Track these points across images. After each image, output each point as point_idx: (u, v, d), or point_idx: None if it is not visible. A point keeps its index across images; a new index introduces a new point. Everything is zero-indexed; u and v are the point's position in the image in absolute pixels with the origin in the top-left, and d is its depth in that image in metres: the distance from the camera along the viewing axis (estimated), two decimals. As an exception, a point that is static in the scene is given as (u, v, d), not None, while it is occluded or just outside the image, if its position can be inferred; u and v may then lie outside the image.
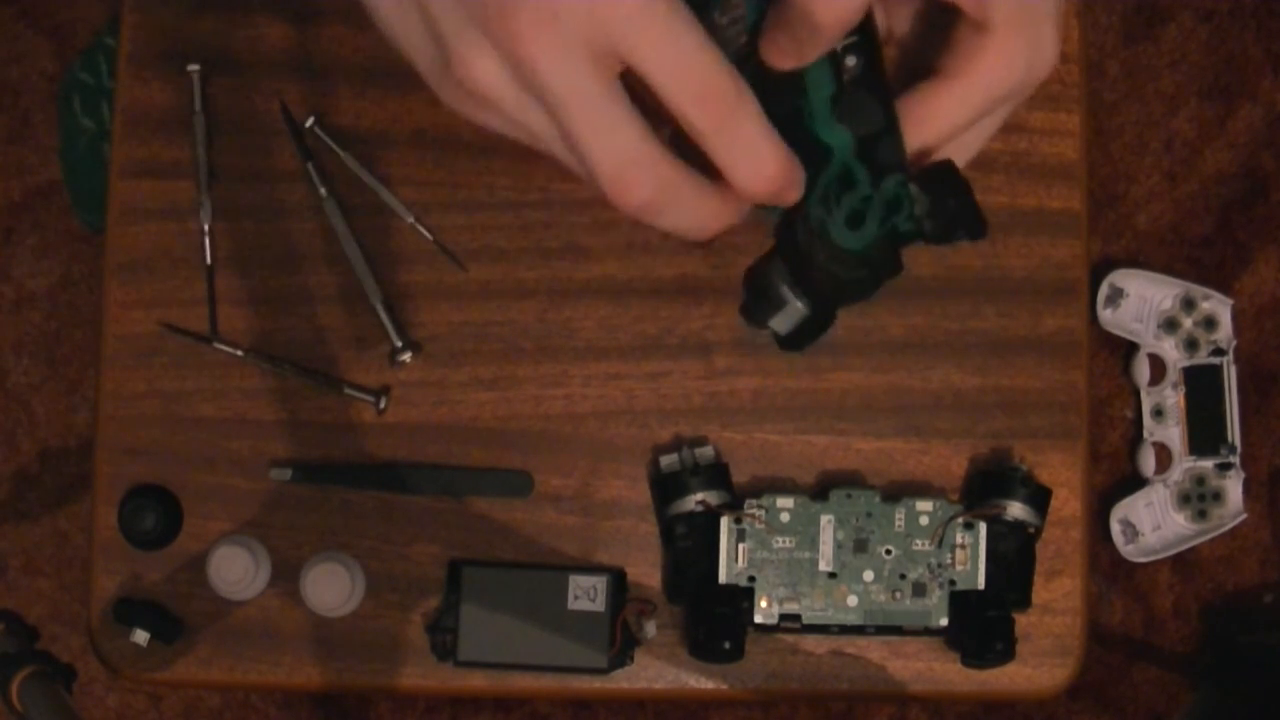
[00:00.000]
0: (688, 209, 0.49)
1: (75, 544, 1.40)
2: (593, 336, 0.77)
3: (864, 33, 0.54)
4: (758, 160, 0.48)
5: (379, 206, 0.77)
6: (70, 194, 1.29)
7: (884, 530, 0.75)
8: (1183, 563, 1.41)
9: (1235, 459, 1.36)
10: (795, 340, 0.59)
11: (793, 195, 0.50)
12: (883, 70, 0.54)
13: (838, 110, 0.53)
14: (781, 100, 0.53)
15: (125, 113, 0.77)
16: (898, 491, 0.76)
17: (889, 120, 0.54)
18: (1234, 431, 1.36)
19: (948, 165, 0.55)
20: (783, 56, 0.51)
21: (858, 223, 0.54)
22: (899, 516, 0.75)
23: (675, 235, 0.51)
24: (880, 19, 0.57)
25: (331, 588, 0.73)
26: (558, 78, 0.46)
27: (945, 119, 0.55)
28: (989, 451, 0.77)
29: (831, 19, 0.49)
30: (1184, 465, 1.36)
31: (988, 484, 0.75)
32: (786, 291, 0.58)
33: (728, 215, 0.51)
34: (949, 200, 0.54)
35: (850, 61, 0.53)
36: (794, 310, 0.58)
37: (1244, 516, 1.37)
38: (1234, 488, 1.36)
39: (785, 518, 0.74)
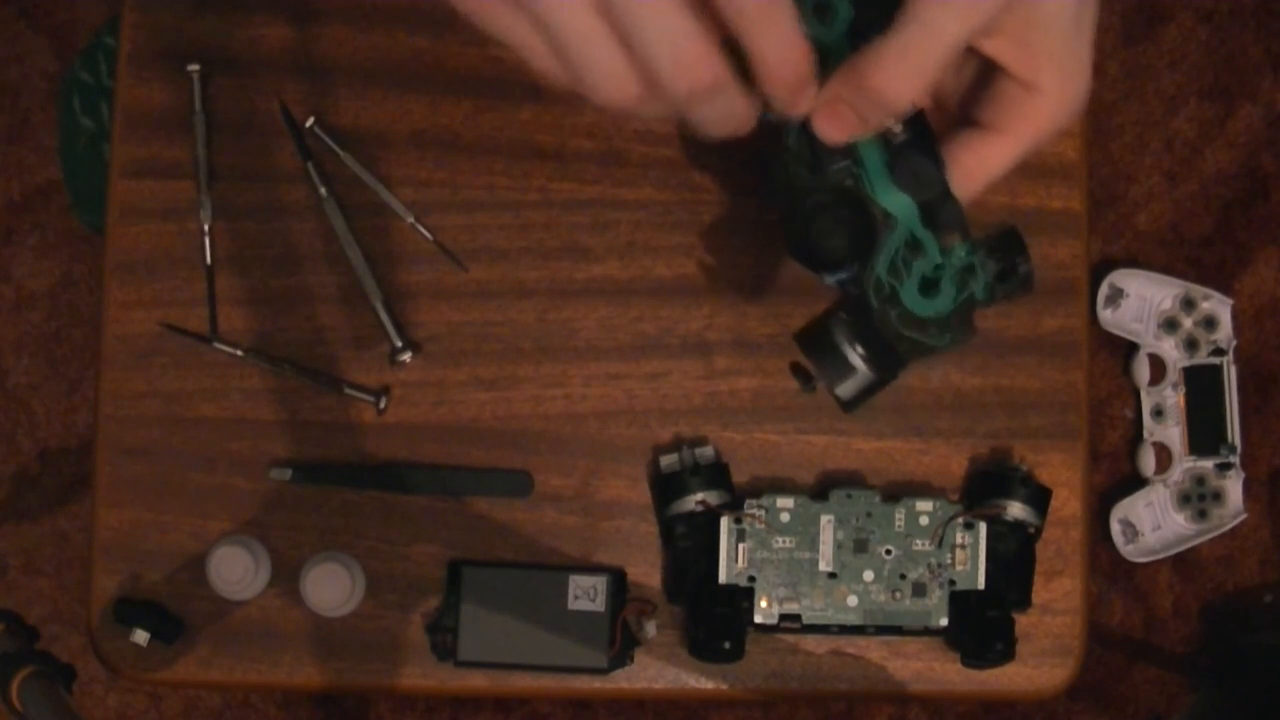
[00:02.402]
0: (734, 95, 0.48)
1: (75, 544, 1.40)
2: (593, 336, 0.77)
3: None
4: (790, 48, 0.48)
5: (379, 206, 0.77)
6: (70, 194, 1.29)
7: (884, 530, 0.75)
8: (1183, 563, 1.41)
9: (1235, 459, 1.36)
10: (857, 402, 0.61)
11: (804, 100, 0.50)
12: (931, 133, 0.55)
13: (895, 176, 0.54)
14: (836, 170, 0.54)
15: (125, 113, 0.77)
16: (898, 491, 0.76)
17: (945, 182, 0.55)
18: (1234, 431, 1.36)
19: (1012, 230, 0.57)
20: (840, 128, 0.52)
21: (931, 290, 0.55)
22: (899, 516, 0.75)
23: (707, 129, 0.49)
24: None
25: (331, 588, 0.73)
26: None
27: (992, 170, 0.56)
28: (989, 451, 0.77)
29: (897, 92, 0.50)
30: (1184, 465, 1.36)
31: (988, 484, 0.75)
32: (855, 358, 0.59)
33: (753, 112, 0.50)
34: (1016, 264, 0.56)
35: (897, 127, 0.54)
36: (863, 376, 0.60)
37: (1244, 516, 1.37)
38: (1234, 488, 1.36)
39: (785, 518, 0.74)
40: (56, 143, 1.31)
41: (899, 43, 0.50)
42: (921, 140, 0.55)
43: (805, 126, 0.52)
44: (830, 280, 0.57)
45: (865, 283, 0.55)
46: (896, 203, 0.54)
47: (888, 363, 0.59)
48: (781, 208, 0.57)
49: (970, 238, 0.55)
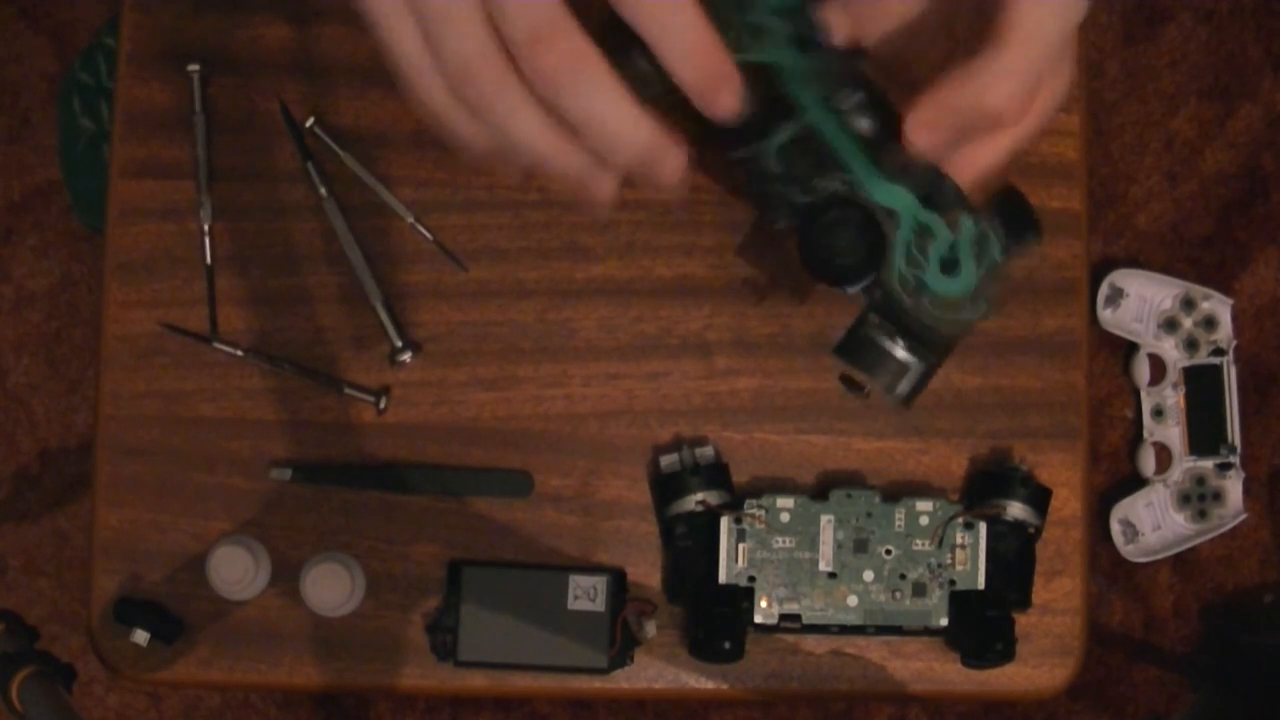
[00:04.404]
0: (599, 89, 0.47)
1: (75, 544, 1.40)
2: (593, 336, 0.77)
3: (863, 87, 0.56)
4: (697, 38, 0.47)
5: (379, 206, 0.77)
6: (70, 194, 1.29)
7: (884, 530, 0.75)
8: (1183, 563, 1.41)
9: (1235, 459, 1.36)
10: (914, 395, 0.61)
11: (727, 94, 0.49)
12: (897, 116, 0.55)
13: (885, 171, 0.55)
14: (828, 182, 0.55)
15: (125, 113, 0.77)
16: (898, 491, 0.76)
17: (928, 162, 0.55)
18: (1234, 431, 1.36)
19: (1009, 187, 0.58)
20: (938, 142, 0.52)
21: (953, 268, 0.56)
22: (899, 516, 0.75)
23: (594, 142, 0.48)
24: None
25: (331, 588, 0.73)
26: None
27: (986, 163, 0.56)
28: (989, 451, 0.77)
29: (1012, 109, 0.51)
30: (1184, 465, 1.36)
31: (988, 484, 0.75)
32: (902, 354, 0.60)
33: (642, 134, 0.49)
34: (1020, 217, 0.57)
35: (863, 122, 0.55)
36: (916, 369, 0.60)
37: (1244, 516, 1.37)
38: (1234, 488, 1.36)
39: (785, 518, 0.74)
40: (56, 143, 1.31)
41: (1009, 57, 0.50)
42: (893, 127, 0.55)
43: (782, 148, 0.53)
44: (853, 290, 0.58)
45: (889, 282, 0.56)
46: (894, 196, 0.55)
47: (935, 348, 0.60)
48: (787, 229, 0.58)
49: (972, 207, 0.56)
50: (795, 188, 0.56)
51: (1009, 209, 0.58)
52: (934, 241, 0.55)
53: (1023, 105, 0.52)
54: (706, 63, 0.48)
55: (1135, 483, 1.38)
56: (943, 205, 0.56)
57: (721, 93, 0.49)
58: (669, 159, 0.49)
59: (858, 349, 0.61)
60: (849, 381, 0.63)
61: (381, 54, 0.48)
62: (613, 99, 0.47)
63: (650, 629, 0.75)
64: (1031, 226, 0.58)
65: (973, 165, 0.57)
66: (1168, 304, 1.36)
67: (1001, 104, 0.51)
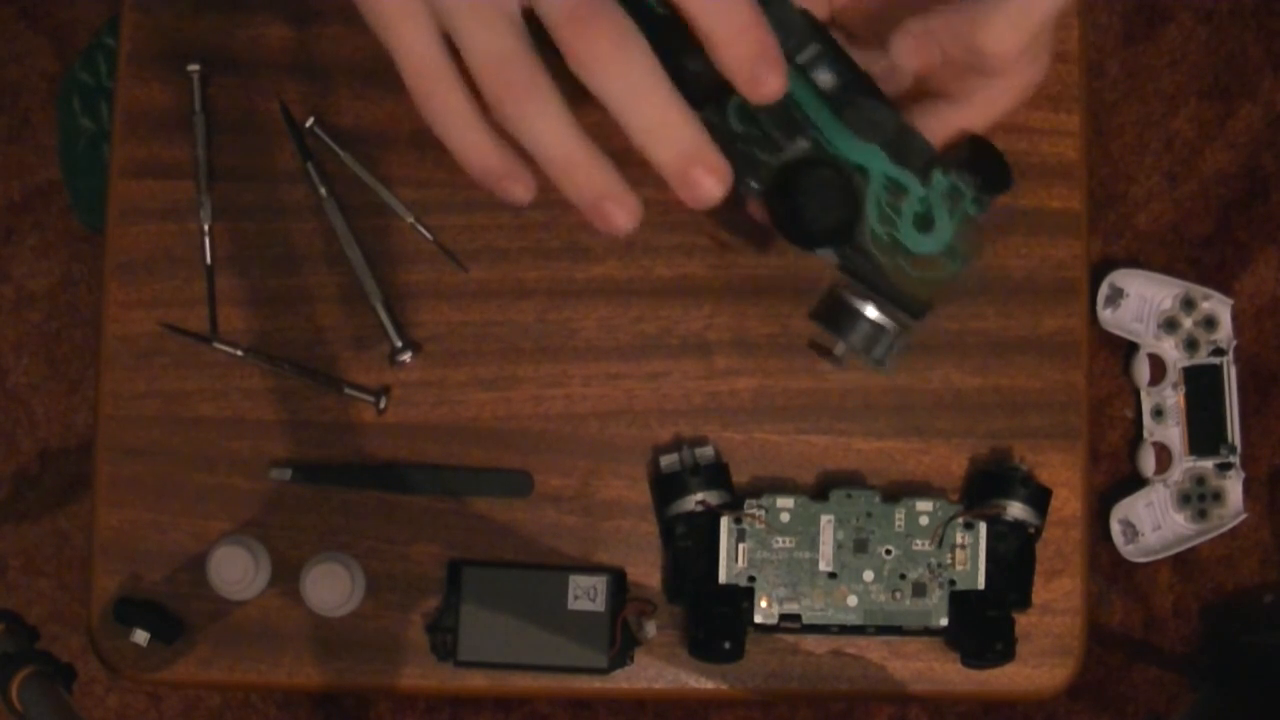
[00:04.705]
0: (644, 71, 0.46)
1: (75, 544, 1.40)
2: (593, 336, 0.77)
3: (823, 42, 0.54)
4: (744, 17, 0.46)
5: (379, 206, 0.77)
6: (70, 194, 1.29)
7: (884, 530, 0.75)
8: (1183, 563, 1.41)
9: (1235, 459, 1.36)
10: (891, 357, 0.61)
11: (773, 75, 0.47)
12: (861, 72, 0.55)
13: (850, 127, 0.54)
14: (794, 141, 0.54)
15: (125, 113, 0.77)
16: (898, 491, 0.76)
17: (898, 116, 0.55)
18: (1234, 431, 1.36)
19: (975, 137, 0.57)
20: (922, 60, 0.52)
21: (927, 224, 0.55)
22: (899, 516, 0.75)
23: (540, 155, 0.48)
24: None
25: (331, 588, 0.73)
26: None
27: (1006, 26, 0.54)
28: (989, 451, 0.77)
29: (1003, 56, 0.51)
30: (1184, 465, 1.36)
31: (988, 484, 0.75)
32: (877, 315, 0.59)
33: (598, 172, 0.48)
34: (990, 166, 0.56)
35: (824, 77, 0.54)
36: (891, 330, 0.60)
37: (1244, 516, 1.37)
38: (1234, 488, 1.36)
39: (785, 518, 0.74)
40: (56, 143, 1.31)
41: (1013, 6, 0.50)
42: (857, 83, 0.54)
43: (745, 108, 0.51)
44: (825, 252, 0.56)
45: (863, 242, 0.54)
46: (862, 152, 0.54)
47: (913, 308, 0.58)
48: (756, 195, 0.56)
49: (942, 160, 0.55)
50: (760, 148, 0.54)
51: (979, 160, 0.56)
52: (906, 198, 0.54)
53: (1011, 56, 0.51)
54: (753, 43, 0.46)
55: (1135, 483, 1.38)
56: (912, 161, 0.54)
57: (769, 74, 0.47)
58: (710, 161, 0.47)
59: (831, 312, 0.60)
60: (819, 347, 0.62)
61: (390, 57, 0.48)
62: (659, 83, 0.45)
63: (650, 629, 0.75)
64: (1003, 175, 0.57)
65: (943, 129, 0.56)
66: (1168, 304, 1.36)
67: (993, 46, 0.50)
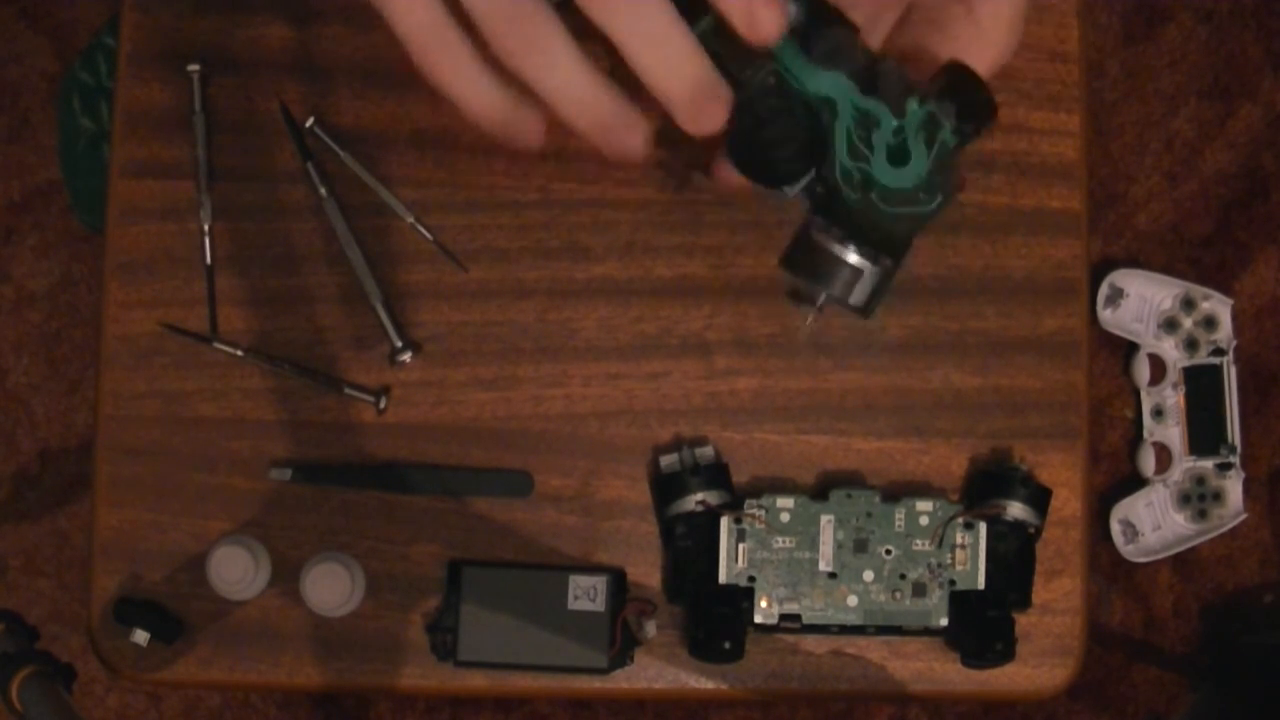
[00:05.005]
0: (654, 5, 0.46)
1: (75, 544, 1.40)
2: (593, 336, 0.77)
3: None
4: (685, 58, 0.46)
5: (379, 206, 0.77)
6: (70, 194, 1.29)
7: (884, 530, 0.75)
8: (1183, 563, 1.41)
9: (1235, 459, 1.36)
10: (873, 302, 0.56)
11: (712, 118, 0.47)
12: (827, 3, 0.52)
13: (815, 57, 0.51)
14: (755, 73, 0.51)
15: (125, 113, 0.77)
16: (898, 491, 0.76)
17: (865, 47, 0.52)
18: (1234, 431, 1.36)
19: (956, 64, 0.54)
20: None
21: (901, 157, 0.51)
22: (899, 516, 0.75)
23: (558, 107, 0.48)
24: None
25: (331, 588, 0.73)
26: None
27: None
28: (989, 451, 0.77)
29: None
30: (1184, 465, 1.36)
31: (988, 484, 0.75)
32: (854, 257, 0.54)
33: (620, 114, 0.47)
34: (971, 96, 0.53)
35: (789, 7, 0.51)
36: (871, 273, 0.54)
37: (1244, 516, 1.37)
38: (1234, 488, 1.36)
39: (785, 518, 0.74)
40: (56, 143, 1.31)
41: None
42: (822, 11, 0.51)
43: (704, 36, 0.48)
44: (793, 192, 0.53)
45: (831, 178, 0.51)
46: (829, 83, 0.51)
47: (887, 249, 0.54)
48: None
49: (918, 90, 0.52)
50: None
51: (959, 89, 0.52)
52: (878, 130, 0.51)
53: None
54: (694, 89, 0.47)
55: (1135, 483, 1.38)
56: (884, 91, 0.51)
57: (767, 13, 0.46)
58: (719, 90, 0.46)
59: (805, 258, 0.55)
60: (797, 297, 0.59)
61: (389, 23, 0.47)
62: (666, 15, 0.45)
63: (650, 629, 0.75)
64: (985, 104, 0.53)
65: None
66: (1168, 304, 1.36)
67: None
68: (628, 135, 0.48)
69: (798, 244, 0.55)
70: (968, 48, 0.56)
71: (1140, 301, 1.37)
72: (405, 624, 0.76)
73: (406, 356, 0.76)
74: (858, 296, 0.55)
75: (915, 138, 0.51)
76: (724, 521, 0.74)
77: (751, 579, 0.74)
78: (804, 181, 0.53)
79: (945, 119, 0.51)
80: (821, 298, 0.56)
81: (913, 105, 0.51)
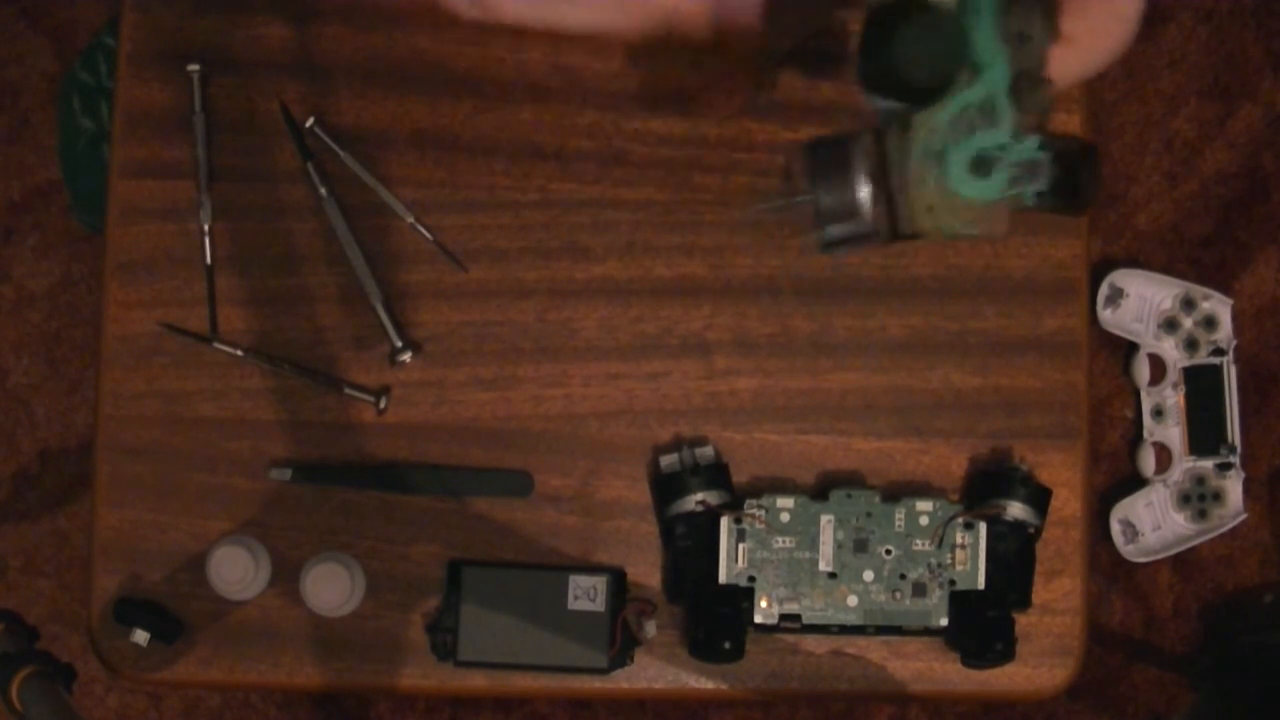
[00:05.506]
0: None
1: (75, 544, 1.40)
2: (593, 336, 0.77)
3: None
4: None
5: (379, 206, 0.77)
6: (70, 194, 1.28)
7: (884, 530, 0.75)
8: (1183, 563, 1.41)
9: (1235, 459, 1.36)
10: (838, 244, 0.53)
11: None
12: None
13: (1004, 25, 0.47)
14: None
15: (125, 113, 0.77)
16: (898, 491, 0.76)
17: (1046, 58, 0.49)
18: (1234, 431, 1.36)
19: (1089, 145, 0.51)
20: None
21: (983, 170, 0.48)
22: (899, 516, 0.75)
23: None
24: None
25: (331, 588, 0.73)
26: None
27: (1066, 77, 0.52)
28: (989, 451, 0.77)
29: None
30: (1184, 465, 1.36)
31: (988, 484, 0.75)
32: (864, 193, 0.51)
33: None
34: (1081, 177, 0.50)
35: None
36: (860, 220, 0.51)
37: (1244, 516, 1.37)
38: (1234, 488, 1.36)
39: (785, 518, 0.74)
40: (56, 143, 1.31)
41: None
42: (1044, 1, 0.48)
43: None
44: (881, 104, 0.50)
45: (917, 125, 0.48)
46: (993, 55, 0.47)
47: (891, 219, 0.51)
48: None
49: (1047, 132, 0.49)
50: None
51: (1078, 163, 0.50)
52: (988, 130, 0.48)
53: None
54: None
55: (1135, 483, 1.38)
56: (1024, 104, 0.48)
57: None
58: None
59: (828, 156, 0.51)
60: (789, 176, 0.56)
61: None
62: None
63: (650, 629, 0.75)
64: (1081, 197, 0.51)
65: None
66: (1168, 304, 1.36)
67: None
68: None
69: (834, 143, 0.51)
70: (1095, 26, 0.54)
71: (1140, 301, 1.36)
72: (405, 624, 0.76)
73: (406, 356, 0.76)
74: (832, 232, 0.52)
75: (1004, 168, 0.48)
76: (724, 521, 0.74)
77: (751, 579, 0.74)
78: (900, 106, 0.49)
79: (1043, 180, 0.49)
80: (806, 196, 0.52)
81: (1030, 141, 0.48)
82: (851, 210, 0.51)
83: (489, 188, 0.77)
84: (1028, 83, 0.48)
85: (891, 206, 0.51)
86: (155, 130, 0.77)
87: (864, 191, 0.51)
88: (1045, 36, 0.48)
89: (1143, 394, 1.38)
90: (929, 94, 0.48)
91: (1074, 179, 0.50)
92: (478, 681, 0.76)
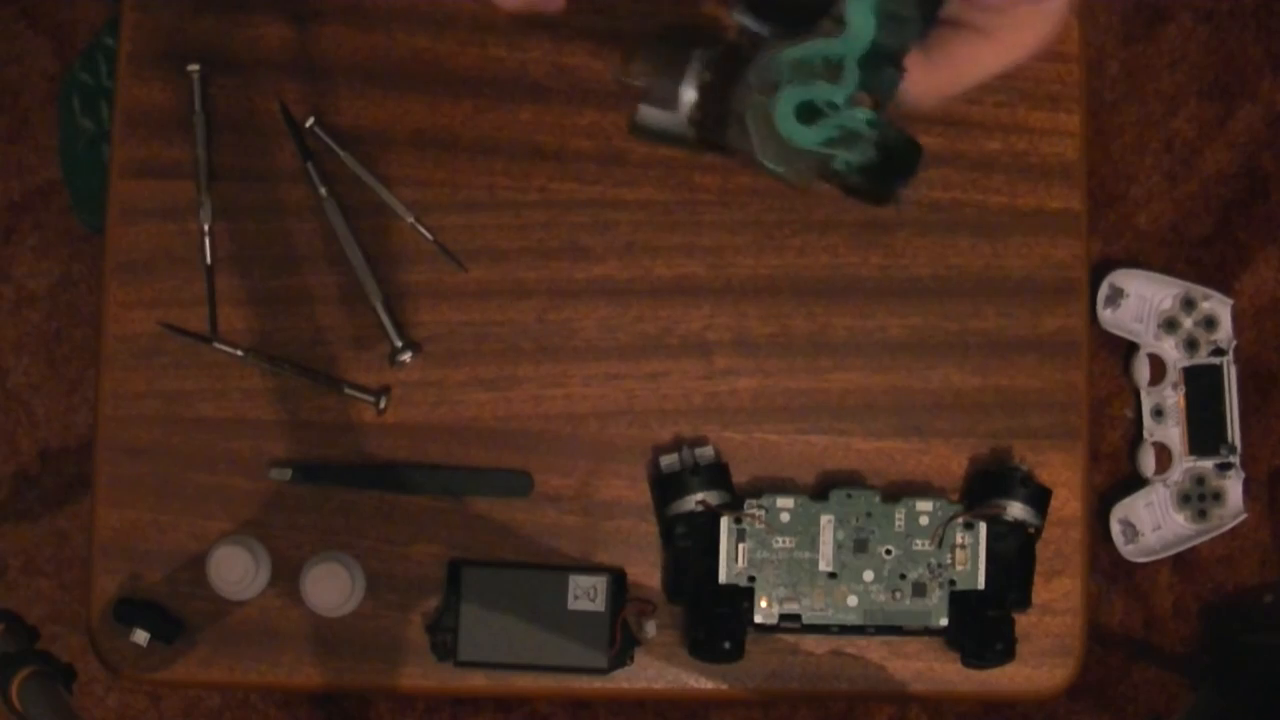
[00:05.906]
0: None
1: (75, 544, 1.40)
2: (593, 336, 0.77)
3: None
4: None
5: (379, 206, 0.77)
6: (70, 194, 1.29)
7: (884, 530, 0.75)
8: (1183, 563, 1.41)
9: (1235, 459, 1.36)
10: (648, 134, 0.53)
11: None
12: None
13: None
14: None
15: (125, 113, 0.77)
16: (898, 491, 0.76)
17: (908, 49, 0.49)
18: (1234, 431, 1.36)
19: (917, 146, 0.52)
20: None
21: (806, 118, 0.48)
22: (899, 516, 0.75)
23: None
24: None
25: (331, 588, 0.73)
26: None
27: (976, 72, 0.52)
28: (989, 451, 0.77)
29: None
30: (1184, 465, 1.36)
31: (988, 484, 0.75)
32: (688, 94, 0.52)
33: None
34: (893, 167, 0.50)
35: None
36: (678, 119, 0.52)
37: (1244, 516, 1.37)
38: (1234, 488, 1.36)
39: (785, 518, 0.74)
40: (56, 143, 1.31)
41: None
42: None
43: None
44: (743, 19, 0.50)
45: (767, 52, 0.49)
46: (863, 19, 0.48)
47: (710, 130, 0.52)
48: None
49: (886, 111, 0.49)
50: None
51: (899, 154, 0.50)
52: (828, 86, 0.48)
53: None
54: None
55: (1135, 483, 1.38)
56: (876, 73, 0.48)
57: None
58: None
59: (667, 51, 0.52)
60: (626, 70, 0.56)
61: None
62: None
63: (650, 629, 0.75)
64: (891, 186, 0.51)
65: (960, 71, 0.52)
66: (1168, 304, 1.36)
67: None
68: None
69: (676, 37, 0.52)
70: (1017, 19, 0.54)
71: (1140, 301, 1.37)
72: (405, 624, 0.76)
73: (406, 356, 0.76)
74: (651, 116, 0.53)
75: (834, 125, 0.49)
76: (724, 521, 0.74)
77: (751, 579, 0.74)
78: (757, 27, 0.50)
79: (864, 150, 0.49)
80: (637, 79, 0.53)
81: (864, 113, 0.49)
82: (670, 104, 0.52)
83: (489, 188, 0.77)
84: (883, 60, 0.48)
85: (710, 116, 0.51)
86: (155, 130, 0.77)
87: (689, 93, 0.52)
88: (916, 25, 0.48)
89: (1143, 394, 1.38)
90: (793, 20, 0.48)
91: (887, 167, 0.50)
92: (478, 681, 0.76)
